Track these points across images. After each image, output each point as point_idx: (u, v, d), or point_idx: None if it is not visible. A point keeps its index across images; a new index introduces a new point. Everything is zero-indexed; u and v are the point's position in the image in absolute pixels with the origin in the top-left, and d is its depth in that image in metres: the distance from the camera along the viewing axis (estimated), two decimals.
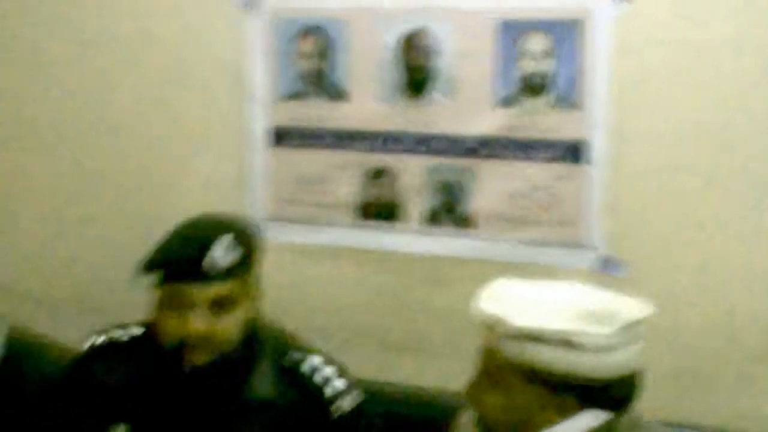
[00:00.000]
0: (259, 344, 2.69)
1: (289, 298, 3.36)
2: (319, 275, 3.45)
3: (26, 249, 3.89)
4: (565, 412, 2.26)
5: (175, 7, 3.52)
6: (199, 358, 2.56)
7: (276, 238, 3.39)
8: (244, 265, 2.62)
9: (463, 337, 2.43)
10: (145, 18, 3.58)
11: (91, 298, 3.77)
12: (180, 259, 2.56)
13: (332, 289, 3.44)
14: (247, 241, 2.65)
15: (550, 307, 2.28)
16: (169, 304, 2.56)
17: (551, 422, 2.29)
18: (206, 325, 2.54)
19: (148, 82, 3.59)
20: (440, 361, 3.21)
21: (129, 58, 3.61)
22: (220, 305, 2.56)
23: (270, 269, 3.14)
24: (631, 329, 2.24)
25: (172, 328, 2.55)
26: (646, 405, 2.47)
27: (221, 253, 2.57)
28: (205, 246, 2.55)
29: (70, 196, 3.79)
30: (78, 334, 2.95)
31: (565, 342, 2.19)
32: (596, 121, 3.00)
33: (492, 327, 2.26)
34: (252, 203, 3.47)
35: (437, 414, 2.83)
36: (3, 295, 3.38)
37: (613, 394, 2.26)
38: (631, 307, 2.30)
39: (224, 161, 3.49)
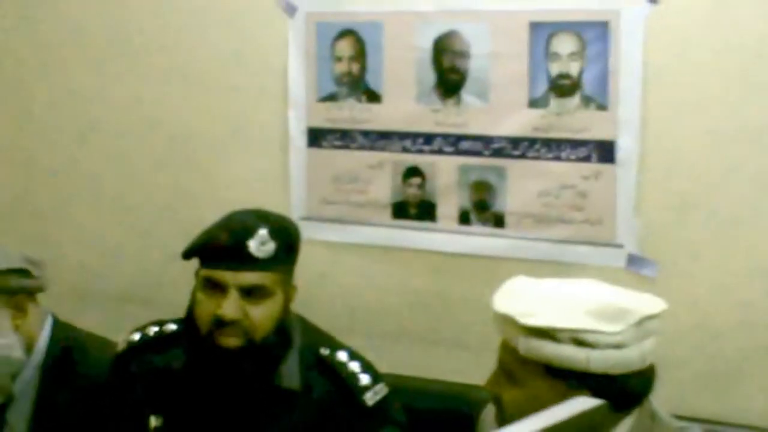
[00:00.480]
0: (289, 337, 2.69)
1: (324, 295, 3.39)
2: (353, 273, 3.44)
3: (74, 244, 3.90)
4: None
5: (222, 14, 3.53)
6: (230, 342, 2.58)
7: (312, 236, 3.35)
8: (278, 259, 2.63)
9: (494, 333, 2.37)
10: (195, 25, 3.59)
11: (136, 292, 3.78)
12: (219, 245, 2.59)
13: (366, 286, 3.43)
14: (283, 236, 2.67)
15: (562, 305, 2.27)
16: (207, 287, 2.59)
17: None
18: (238, 309, 2.56)
19: (199, 86, 3.60)
20: (473, 356, 3.13)
21: (180, 63, 3.62)
22: (253, 293, 2.58)
23: (307, 267, 3.12)
24: (643, 325, 2.23)
25: (208, 309, 2.58)
26: (672, 402, 2.49)
27: (257, 244, 2.59)
28: (243, 235, 2.59)
29: (121, 191, 3.80)
30: (122, 327, 2.98)
31: (576, 339, 2.19)
32: (624, 121, 2.99)
33: (507, 325, 2.26)
34: (290, 201, 3.46)
35: (465, 408, 2.83)
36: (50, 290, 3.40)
37: (628, 388, 2.24)
38: (643, 304, 2.29)
39: (266, 160, 3.49)
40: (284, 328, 2.69)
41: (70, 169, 3.93)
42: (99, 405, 2.92)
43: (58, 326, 3.22)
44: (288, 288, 2.71)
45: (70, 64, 3.89)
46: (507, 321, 2.26)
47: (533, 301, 2.30)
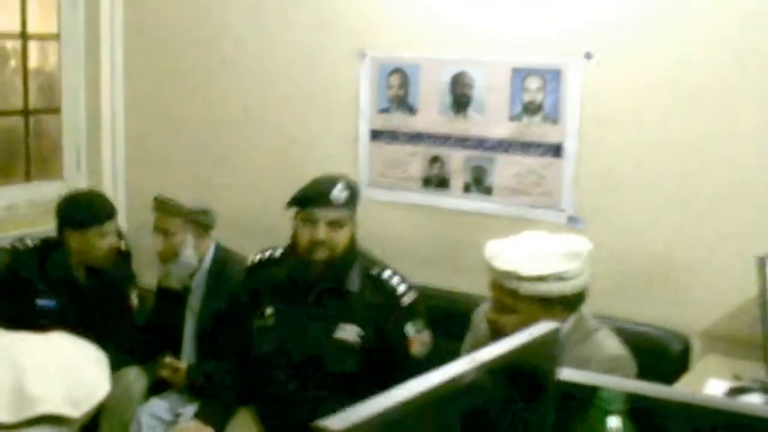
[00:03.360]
0: (355, 256, 2.82)
1: (379, 234, 3.42)
2: (398, 221, 3.52)
3: (234, 195, 3.91)
4: (555, 316, 2.38)
5: (320, 58, 3.63)
6: (320, 255, 2.75)
7: (373, 197, 3.54)
8: (350, 202, 2.78)
9: (482, 261, 2.50)
10: (301, 63, 3.68)
11: (262, 224, 3.76)
12: (313, 193, 2.76)
13: (405, 229, 3.50)
14: (351, 189, 2.81)
15: (542, 256, 2.44)
16: (305, 223, 2.76)
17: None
18: (326, 235, 2.74)
19: (302, 103, 3.69)
20: (470, 275, 3.18)
21: (290, 92, 3.70)
22: (334, 224, 2.76)
23: (369, 217, 3.40)
24: (587, 259, 2.46)
25: (306, 236, 2.76)
26: (597, 306, 2.70)
27: (337, 192, 2.75)
28: (328, 187, 2.75)
29: (260, 170, 3.85)
30: (253, 248, 3.14)
31: (558, 277, 2.40)
32: (569, 132, 3.11)
33: (509, 276, 2.41)
34: (359, 175, 3.55)
35: (464, 307, 2.93)
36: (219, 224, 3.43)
37: (580, 297, 2.48)
38: (582, 245, 2.49)
39: (344, 150, 3.61)
40: (352, 249, 2.81)
41: (233, 148, 3.91)
42: (237, 295, 3.09)
43: (219, 248, 3.39)
44: (353, 223, 2.83)
45: (226, 88, 3.89)
46: (508, 274, 2.41)
47: (523, 256, 2.44)
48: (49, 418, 1.46)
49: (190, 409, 3.10)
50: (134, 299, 3.56)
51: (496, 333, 2.47)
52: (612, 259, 3.10)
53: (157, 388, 3.37)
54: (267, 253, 3.01)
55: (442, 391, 1.31)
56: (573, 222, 3.19)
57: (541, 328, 1.54)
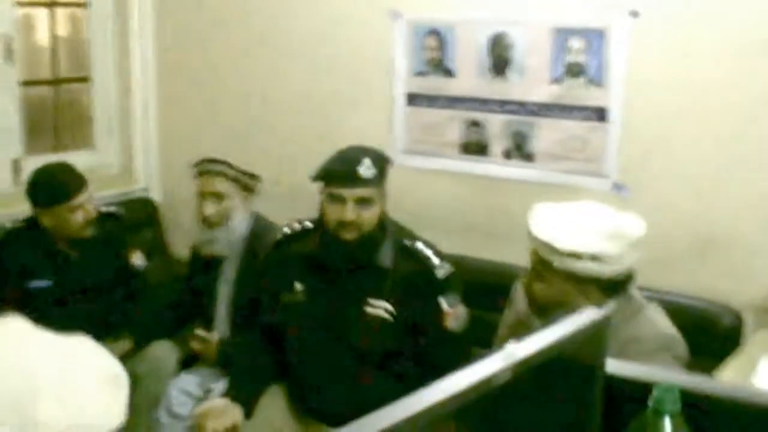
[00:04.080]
0: (385, 231, 2.74)
1: (416, 203, 3.41)
2: (435, 189, 3.46)
3: (269, 163, 3.74)
4: (588, 297, 2.30)
5: (355, 20, 3.56)
6: (349, 236, 2.66)
7: (409, 164, 3.47)
8: (378, 178, 2.67)
9: (523, 230, 2.44)
10: (336, 27, 3.61)
11: (297, 192, 3.55)
12: (339, 171, 2.65)
13: (443, 198, 3.45)
14: (379, 163, 2.69)
15: (582, 232, 2.32)
16: (332, 200, 2.67)
17: (579, 303, 2.23)
18: (354, 214, 2.64)
19: (337, 66, 3.62)
20: (509, 244, 3.08)
21: (327, 54, 3.65)
22: (362, 202, 2.65)
23: (405, 184, 3.33)
24: (634, 244, 2.33)
25: (333, 215, 2.66)
26: (643, 278, 2.53)
27: (364, 169, 2.64)
28: (354, 164, 2.64)
29: (294, 136, 3.77)
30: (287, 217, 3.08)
31: (594, 258, 2.29)
32: (614, 95, 3.02)
33: (545, 246, 2.33)
34: (395, 141, 3.51)
35: (503, 279, 2.82)
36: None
37: (620, 284, 2.35)
38: (634, 227, 2.36)
39: (380, 114, 3.54)
40: (382, 224, 2.72)
41: (268, 107, 3.83)
42: (266, 268, 3.00)
43: (258, 217, 3.31)
44: (383, 197, 2.74)
45: (257, 56, 3.84)
46: (545, 245, 2.33)
47: (563, 229, 2.33)
48: None
49: (221, 384, 3.01)
50: (137, 260, 3.47)
51: (531, 299, 2.43)
52: (659, 228, 2.77)
53: (188, 362, 3.31)
54: (297, 226, 2.93)
55: (473, 394, 1.15)
56: (618, 189, 3.09)
57: (588, 315, 1.39)
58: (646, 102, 3.02)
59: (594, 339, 1.38)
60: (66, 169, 3.32)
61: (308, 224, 2.90)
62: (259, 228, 3.30)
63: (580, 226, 2.35)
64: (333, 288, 2.76)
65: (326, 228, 2.72)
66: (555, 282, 2.36)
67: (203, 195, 3.25)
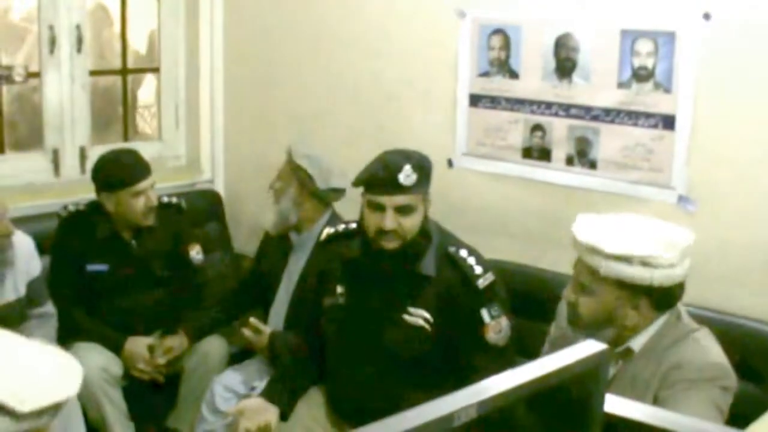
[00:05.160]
0: (429, 239, 2.66)
1: (472, 207, 3.37)
2: (494, 193, 3.38)
3: (333, 157, 3.54)
4: (638, 310, 2.23)
5: (420, 18, 3.48)
6: (390, 245, 2.60)
7: (470, 167, 3.39)
8: (418, 185, 2.59)
9: None
10: (402, 25, 3.54)
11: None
12: (379, 178, 2.59)
13: (502, 202, 3.36)
14: (421, 169, 2.61)
15: (630, 235, 2.24)
16: (371, 207, 2.61)
17: (630, 318, 2.22)
18: (394, 223, 2.57)
19: (402, 65, 3.55)
20: (566, 253, 2.71)
21: (392, 50, 3.58)
22: (403, 210, 2.58)
23: (464, 187, 3.29)
24: (686, 250, 2.23)
25: (373, 223, 2.60)
26: (701, 296, 2.53)
27: (404, 176, 2.56)
28: (394, 171, 2.56)
29: (357, 132, 3.71)
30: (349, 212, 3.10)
31: (644, 262, 2.17)
32: (683, 102, 2.89)
33: (592, 251, 2.23)
34: (456, 143, 3.42)
35: (557, 289, 2.63)
36: None
37: (671, 295, 2.25)
38: (683, 235, 2.26)
39: (442, 115, 3.45)
40: (425, 231, 2.64)
41: (332, 101, 3.80)
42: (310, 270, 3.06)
43: (333, 216, 3.29)
44: (425, 203, 2.65)
45: (323, 50, 3.81)
46: (591, 249, 2.22)
47: (610, 233, 2.25)
48: None
49: (265, 383, 2.98)
50: (196, 255, 3.46)
51: (575, 317, 2.31)
52: (727, 245, 2.85)
53: (236, 358, 3.31)
54: (341, 227, 2.88)
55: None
56: (684, 202, 2.94)
57: (589, 347, 1.27)
58: (716, 110, 2.87)
59: (592, 374, 1.25)
60: (131, 155, 3.35)
61: (353, 225, 2.84)
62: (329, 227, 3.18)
63: (627, 230, 2.26)
64: (373, 294, 2.70)
65: (366, 235, 2.66)
66: (602, 294, 2.24)
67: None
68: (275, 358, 3.10)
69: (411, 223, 2.61)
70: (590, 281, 2.26)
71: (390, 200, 2.57)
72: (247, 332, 3.19)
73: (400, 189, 2.56)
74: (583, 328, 2.31)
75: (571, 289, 2.33)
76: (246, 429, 2.66)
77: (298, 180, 3.24)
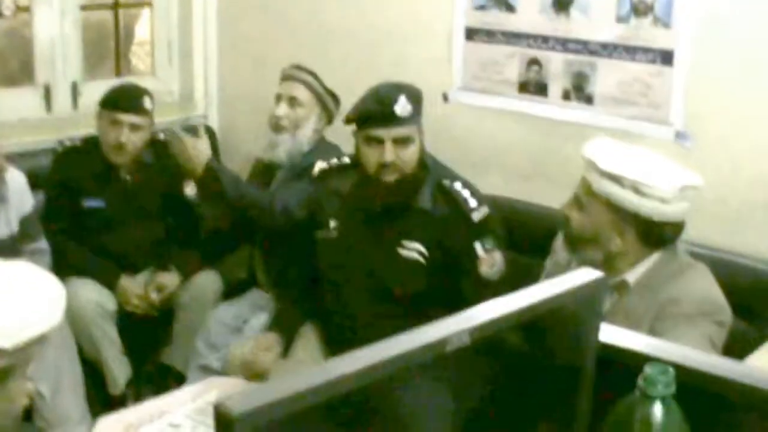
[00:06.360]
0: (425, 171, 2.65)
1: (471, 141, 3.34)
2: (490, 128, 3.35)
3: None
4: (623, 238, 2.20)
5: None
6: (391, 178, 2.59)
7: (466, 101, 3.35)
8: (414, 116, 2.57)
9: (577, 175, 2.36)
10: None
11: None
12: (374, 111, 2.57)
13: (498, 137, 3.33)
14: (415, 99, 2.59)
15: (632, 161, 2.21)
16: (369, 142, 2.59)
17: (614, 243, 2.21)
18: (393, 155, 2.56)
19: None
20: (563, 189, 2.69)
21: None
22: (401, 142, 2.57)
23: (460, 121, 3.25)
24: (684, 191, 2.18)
25: (372, 158, 2.59)
26: (701, 234, 2.54)
27: (401, 107, 2.54)
28: (390, 103, 2.54)
29: (354, 65, 3.62)
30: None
31: (635, 188, 2.16)
32: (681, 37, 2.85)
33: (590, 165, 2.23)
34: (452, 77, 3.37)
35: (554, 224, 2.61)
36: None
37: (663, 233, 2.22)
38: (688, 176, 2.23)
39: (437, 48, 3.40)
40: (423, 163, 2.63)
41: (329, 35, 3.70)
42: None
43: (322, 138, 3.23)
44: (421, 135, 2.63)
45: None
46: (590, 163, 2.23)
47: (612, 154, 2.25)
48: None
49: (260, 316, 2.99)
50: (190, 192, 3.40)
51: (567, 231, 2.32)
52: (723, 184, 2.81)
53: (230, 294, 3.30)
54: (334, 161, 2.85)
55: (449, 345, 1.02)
56: (681, 138, 2.90)
57: (584, 275, 1.24)
58: (716, 44, 2.81)
59: (588, 302, 1.23)
60: (135, 88, 3.35)
61: (346, 159, 2.81)
62: (322, 149, 3.18)
63: (631, 156, 2.24)
64: (368, 228, 2.69)
65: (365, 172, 2.63)
66: (593, 211, 2.24)
67: (280, 97, 3.20)
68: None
69: (410, 155, 2.59)
70: (584, 196, 2.26)
71: (387, 133, 2.55)
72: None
73: (397, 120, 2.54)
74: (570, 244, 2.33)
75: (568, 203, 2.33)
76: (262, 363, 2.68)
77: (321, 105, 3.19)
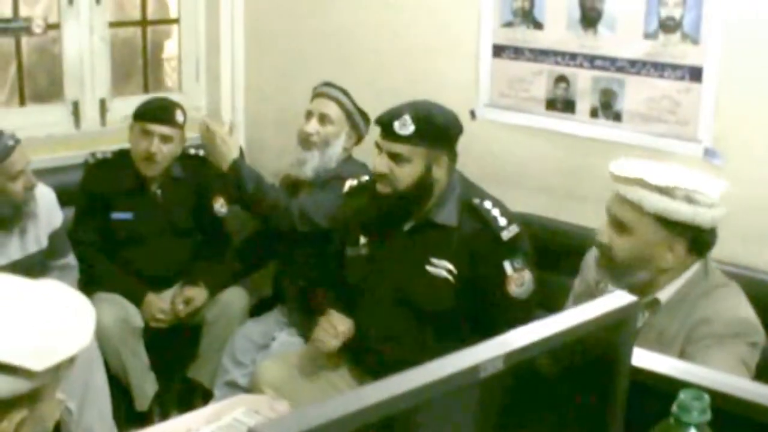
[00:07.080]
0: (452, 189, 2.64)
1: (498, 158, 3.34)
2: (517, 145, 3.35)
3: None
4: (673, 252, 2.17)
5: None
6: (383, 189, 2.60)
7: (493, 118, 3.35)
8: (417, 138, 2.55)
9: (605, 192, 2.34)
10: None
11: None
12: (379, 120, 2.62)
13: (524, 154, 3.33)
14: (424, 122, 2.56)
15: (673, 172, 2.21)
16: (376, 147, 2.63)
17: (665, 260, 2.17)
18: (384, 167, 2.57)
19: (428, 16, 3.50)
20: (590, 206, 2.90)
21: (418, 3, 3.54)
22: (395, 158, 2.56)
23: (487, 138, 3.24)
24: (723, 195, 2.18)
25: (373, 164, 2.64)
26: (730, 251, 2.51)
27: (400, 125, 2.54)
28: (391, 118, 2.56)
29: (381, 81, 3.62)
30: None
31: (688, 197, 2.13)
32: (710, 54, 2.83)
33: (635, 183, 2.17)
34: (479, 94, 3.37)
35: (581, 242, 2.66)
36: None
37: (706, 240, 2.20)
38: (717, 182, 2.22)
39: (465, 65, 3.40)
40: (424, 186, 2.58)
41: (355, 51, 3.75)
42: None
43: (350, 157, 3.26)
44: (432, 158, 2.58)
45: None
46: (635, 181, 2.17)
47: (653, 168, 2.22)
48: (7, 367, 1.34)
49: (284, 334, 2.97)
50: (220, 208, 3.40)
51: (606, 260, 2.23)
52: (753, 202, 2.78)
53: (256, 310, 3.28)
54: (364, 179, 2.85)
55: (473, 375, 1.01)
56: (710, 156, 2.88)
57: (617, 299, 1.22)
58: (745, 61, 2.79)
59: (620, 326, 1.22)
60: (168, 101, 3.36)
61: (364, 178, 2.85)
62: (349, 168, 3.18)
63: (669, 168, 2.23)
64: (396, 245, 2.68)
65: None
66: (641, 232, 2.17)
67: (311, 114, 3.20)
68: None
69: (401, 173, 2.57)
70: (630, 218, 2.19)
71: (385, 144, 2.57)
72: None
73: (394, 137, 2.55)
74: (615, 271, 2.25)
75: (607, 231, 2.25)
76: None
77: (352, 125, 3.19)
